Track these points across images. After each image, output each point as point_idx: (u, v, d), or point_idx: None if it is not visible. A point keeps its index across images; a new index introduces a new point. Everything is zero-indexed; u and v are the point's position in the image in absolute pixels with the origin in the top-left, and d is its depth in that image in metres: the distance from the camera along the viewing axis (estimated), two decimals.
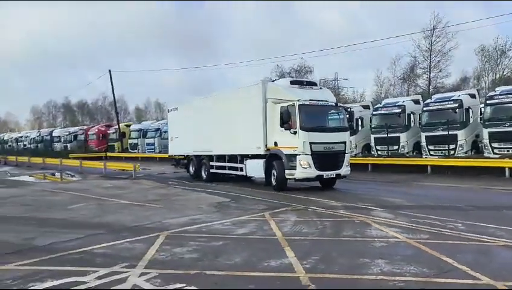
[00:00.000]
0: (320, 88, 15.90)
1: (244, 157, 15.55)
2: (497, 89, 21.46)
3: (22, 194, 14.14)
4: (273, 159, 14.10)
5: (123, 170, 24.52)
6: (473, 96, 22.28)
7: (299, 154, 13.09)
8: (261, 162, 14.53)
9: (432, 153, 21.51)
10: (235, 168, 16.22)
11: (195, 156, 18.93)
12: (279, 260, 5.64)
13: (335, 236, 7.19)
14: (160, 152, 37.13)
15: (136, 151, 40.64)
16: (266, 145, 14.23)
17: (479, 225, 7.74)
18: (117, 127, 44.29)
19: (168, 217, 9.23)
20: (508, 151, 18.87)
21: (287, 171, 13.42)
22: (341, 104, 15.98)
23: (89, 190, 15.38)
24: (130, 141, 42.02)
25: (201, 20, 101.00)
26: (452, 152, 20.65)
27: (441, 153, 21.20)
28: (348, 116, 14.81)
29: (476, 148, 21.33)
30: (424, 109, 22.25)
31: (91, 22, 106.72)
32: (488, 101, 19.93)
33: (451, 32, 39.54)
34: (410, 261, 5.40)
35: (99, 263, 5.63)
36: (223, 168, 17.06)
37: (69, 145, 47.65)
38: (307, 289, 4.52)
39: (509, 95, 19.44)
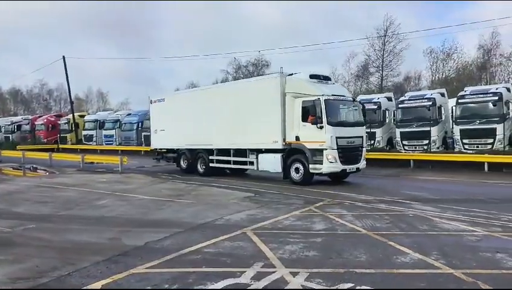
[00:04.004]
0: (333, 83, 15.94)
1: (254, 151, 15.30)
2: (466, 88, 23.17)
3: (20, 191, 12.89)
4: (293, 153, 14.08)
5: (92, 162, 23.30)
6: (442, 95, 23.86)
7: (326, 149, 13.23)
8: (278, 157, 14.41)
9: (406, 148, 22.75)
10: (243, 163, 15.92)
11: (189, 149, 18.26)
12: (406, 255, 5.78)
13: (417, 230, 7.43)
14: (120, 144, 35.69)
15: (91, 143, 38.58)
16: (284, 139, 14.13)
17: None
18: (69, 117, 41.64)
19: (222, 213, 8.95)
20: (477, 147, 20.56)
21: (311, 166, 13.53)
22: (357, 99, 16.12)
23: (88, 184, 14.39)
24: (84, 133, 39.76)
25: (140, 9, 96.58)
26: (426, 147, 22.10)
27: (415, 148, 22.55)
28: (362, 110, 14.97)
29: (445, 144, 22.99)
30: (399, 106, 23.42)
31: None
32: (459, 100, 21.43)
33: (402, 34, 42.20)
34: None
35: (232, 263, 5.41)
36: (226, 162, 16.63)
37: (12, 136, 43.80)
38: (479, 287, 4.67)
39: (479, 95, 21.17)
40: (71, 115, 41.01)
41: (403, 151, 22.48)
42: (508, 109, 20.28)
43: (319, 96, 13.30)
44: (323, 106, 13.17)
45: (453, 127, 22.84)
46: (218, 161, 16.98)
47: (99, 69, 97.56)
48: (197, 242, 6.39)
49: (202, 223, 7.94)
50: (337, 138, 13.32)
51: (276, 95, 14.20)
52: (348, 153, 13.76)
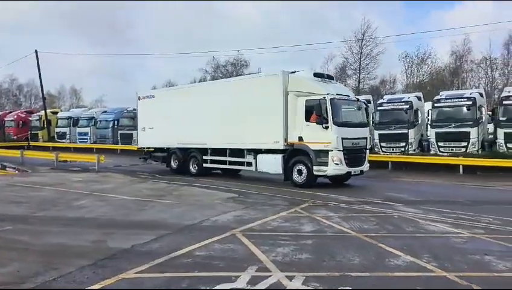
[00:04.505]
0: (336, 83, 15.52)
1: (251, 151, 14.75)
2: (441, 93, 23.74)
3: None
4: (295, 154, 13.58)
5: (65, 161, 22.60)
6: (419, 98, 24.39)
7: (332, 150, 12.78)
8: (278, 158, 13.84)
9: (384, 149, 23.11)
10: (239, 163, 15.37)
11: (180, 149, 17.46)
12: (398, 258, 5.76)
13: (404, 232, 7.48)
14: (95, 142, 34.87)
15: (64, 140, 37.48)
16: (286, 139, 13.60)
17: (507, 219, 8.50)
18: (40, 114, 40.30)
19: (207, 214, 8.77)
20: (452, 149, 21.11)
21: (315, 168, 13.03)
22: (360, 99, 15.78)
23: (64, 184, 13.88)
24: (57, 130, 38.64)
25: (116, 6, 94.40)
26: (403, 149, 22.51)
27: (393, 150, 22.92)
28: (365, 111, 14.61)
29: (421, 147, 23.46)
30: (378, 108, 23.76)
31: None
32: (435, 104, 21.95)
33: (379, 38, 43.02)
34: None
35: (225, 267, 5.25)
36: (221, 162, 15.98)
37: None
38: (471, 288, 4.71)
39: (454, 100, 21.76)
40: (43, 111, 39.67)
41: (381, 153, 22.80)
42: (481, 114, 20.89)
43: (324, 96, 12.86)
44: (329, 106, 12.73)
45: (427, 130, 23.49)
46: (212, 161, 16.30)
47: (73, 66, 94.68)
48: (187, 245, 6.19)
49: (189, 225, 7.74)
50: (342, 138, 12.87)
51: (278, 93, 13.65)
52: (353, 154, 13.35)
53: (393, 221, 8.44)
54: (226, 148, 15.66)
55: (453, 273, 5.10)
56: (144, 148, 19.86)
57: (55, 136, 38.39)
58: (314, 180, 13.51)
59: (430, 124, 22.14)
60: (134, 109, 32.28)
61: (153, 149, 19.34)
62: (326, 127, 12.75)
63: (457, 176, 17.79)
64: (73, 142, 36.27)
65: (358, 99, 14.78)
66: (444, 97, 22.28)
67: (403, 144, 22.46)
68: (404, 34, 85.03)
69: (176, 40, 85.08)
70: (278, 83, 13.70)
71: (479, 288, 4.66)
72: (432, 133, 21.93)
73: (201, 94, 17.03)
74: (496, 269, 5.37)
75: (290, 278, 4.86)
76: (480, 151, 20.39)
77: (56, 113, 41.26)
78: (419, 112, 23.10)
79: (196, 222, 8.02)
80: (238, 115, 14.96)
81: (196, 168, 16.96)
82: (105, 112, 36.41)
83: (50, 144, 36.21)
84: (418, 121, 22.93)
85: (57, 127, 38.65)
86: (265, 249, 6.05)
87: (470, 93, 21.90)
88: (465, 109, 20.70)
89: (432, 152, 21.67)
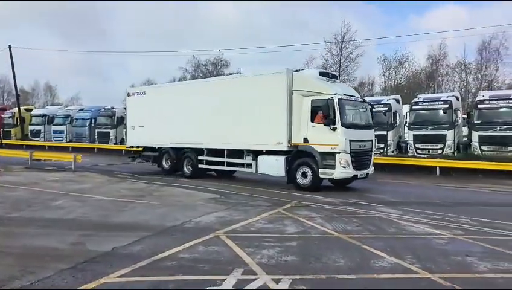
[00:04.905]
0: (340, 82, 15.08)
1: (250, 152, 14.20)
2: (419, 96, 24.20)
3: None
4: (299, 156, 13.10)
5: (39, 160, 21.95)
6: (397, 101, 24.80)
7: (339, 153, 12.36)
8: (281, 159, 13.29)
9: None
10: (238, 165, 14.78)
11: (174, 148, 16.68)
12: (382, 259, 5.78)
13: (386, 233, 7.53)
14: (71, 141, 34.05)
15: (38, 139, 36.49)
16: (290, 140, 13.12)
17: (483, 220, 8.72)
18: (14, 111, 39.16)
19: (190, 215, 8.65)
20: (428, 151, 21.58)
21: (321, 171, 12.61)
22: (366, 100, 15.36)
23: (39, 184, 13.47)
24: (31, 128, 37.61)
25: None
26: (382, 151, 22.84)
27: None
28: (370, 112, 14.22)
29: (399, 148, 23.87)
30: None
31: None
32: (413, 107, 22.41)
33: (358, 40, 43.63)
34: (497, 258, 5.97)
35: (210, 269, 5.15)
36: (219, 163, 15.33)
37: None
38: (454, 288, 4.76)
39: (431, 103, 22.25)
40: (16, 108, 38.51)
41: None
42: (457, 117, 21.42)
43: (332, 96, 12.41)
44: (336, 106, 12.29)
45: (404, 132, 23.92)
46: (208, 162, 15.63)
47: (48, 62, 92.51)
48: (170, 247, 6.06)
49: (171, 226, 7.60)
50: (350, 141, 12.47)
51: (282, 92, 13.11)
52: (360, 157, 13.00)
53: (375, 222, 8.50)
54: (224, 149, 15.05)
55: (437, 275, 5.15)
56: (133, 147, 19.09)
57: (29, 134, 37.41)
58: (320, 183, 13.11)
59: (408, 126, 22.56)
60: (113, 108, 32.20)
61: (142, 148, 18.64)
62: (334, 129, 12.33)
63: (434, 177, 18.13)
64: (48, 141, 35.37)
65: (364, 100, 14.46)
66: (421, 100, 22.75)
67: (382, 145, 22.72)
68: (383, 37, 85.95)
69: (155, 39, 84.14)
70: (282, 82, 13.17)
71: (462, 289, 4.73)
72: (409, 135, 22.35)
73: (197, 92, 16.28)
74: (477, 270, 5.46)
75: (277, 281, 4.81)
76: (455, 154, 20.89)
77: (30, 110, 40.23)
78: (397, 114, 23.52)
79: (178, 223, 7.89)
80: (237, 114, 14.40)
81: (190, 169, 16.26)
82: (82, 110, 35.65)
83: (23, 142, 35.25)
84: (396, 123, 23.35)
85: (31, 124, 37.64)
86: (250, 251, 5.99)
87: (447, 97, 22.39)
88: (441, 112, 21.19)
89: (409, 154, 22.06)
